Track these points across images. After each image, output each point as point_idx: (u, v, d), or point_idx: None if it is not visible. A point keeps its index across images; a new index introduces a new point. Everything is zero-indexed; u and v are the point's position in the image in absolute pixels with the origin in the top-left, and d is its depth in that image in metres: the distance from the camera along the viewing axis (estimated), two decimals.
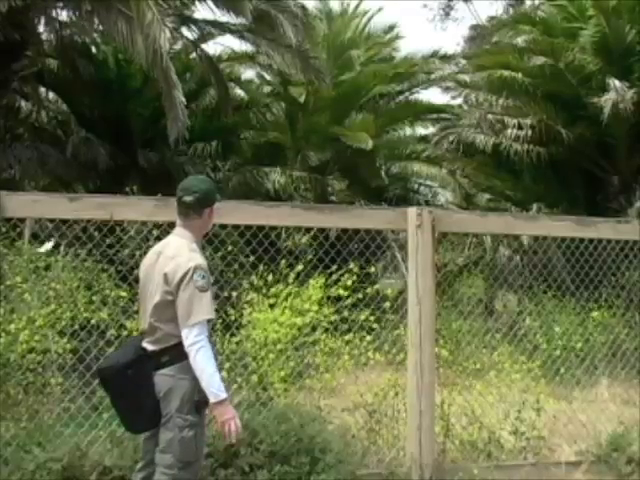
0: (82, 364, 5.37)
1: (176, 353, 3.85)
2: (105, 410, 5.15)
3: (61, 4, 12.89)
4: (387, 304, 6.40)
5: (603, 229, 6.54)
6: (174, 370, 3.87)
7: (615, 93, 12.49)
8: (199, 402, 3.86)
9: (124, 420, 4.09)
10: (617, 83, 12.60)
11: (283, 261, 6.49)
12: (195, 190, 4.02)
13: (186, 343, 3.78)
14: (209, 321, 3.89)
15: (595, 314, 8.19)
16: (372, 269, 6.73)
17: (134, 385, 3.91)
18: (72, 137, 13.94)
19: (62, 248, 6.78)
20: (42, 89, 15.45)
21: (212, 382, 3.77)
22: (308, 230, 7.34)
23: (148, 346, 3.96)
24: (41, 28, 13.23)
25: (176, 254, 3.90)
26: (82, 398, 5.38)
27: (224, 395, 3.80)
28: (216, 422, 3.93)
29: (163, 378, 3.88)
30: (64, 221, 5.69)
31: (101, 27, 12.57)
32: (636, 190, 12.94)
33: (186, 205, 4.01)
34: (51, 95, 16.03)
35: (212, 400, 3.78)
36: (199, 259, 3.90)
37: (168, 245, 4.03)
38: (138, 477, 4.16)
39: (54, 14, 13.16)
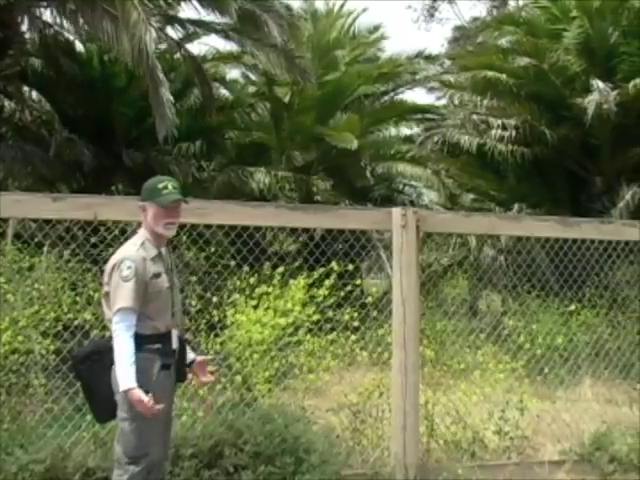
0: (65, 365, 5.34)
1: None
2: (88, 411, 5.13)
3: (45, 3, 12.82)
4: (371, 304, 6.42)
5: (586, 229, 6.57)
6: None
7: (599, 94, 12.54)
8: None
9: (90, 409, 4.22)
10: (601, 84, 12.65)
11: (267, 262, 6.50)
12: None
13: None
14: (134, 311, 3.88)
15: (572, 308, 8.22)
16: (356, 269, 6.74)
17: (91, 376, 4.03)
18: (56, 136, 13.85)
19: (45, 248, 6.75)
20: (25, 88, 15.35)
21: (120, 370, 3.82)
22: (293, 230, 7.32)
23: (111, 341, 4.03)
24: (25, 27, 13.18)
25: (120, 248, 4.08)
26: (65, 399, 5.36)
27: (128, 385, 3.78)
28: None
29: (115, 371, 3.93)
30: (47, 221, 5.67)
31: (86, 27, 12.51)
32: (619, 191, 12.98)
33: None
34: (35, 94, 15.93)
35: (120, 389, 3.82)
36: (131, 251, 3.98)
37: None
38: None
39: (38, 13, 13.10)
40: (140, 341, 3.87)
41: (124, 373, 3.80)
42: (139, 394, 3.77)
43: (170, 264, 4.19)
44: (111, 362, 3.91)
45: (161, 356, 3.99)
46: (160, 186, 4.09)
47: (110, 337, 3.97)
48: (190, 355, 4.34)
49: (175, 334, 4.11)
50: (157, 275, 4.02)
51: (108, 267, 3.99)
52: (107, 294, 3.99)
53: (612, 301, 8.59)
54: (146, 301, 3.95)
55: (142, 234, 4.09)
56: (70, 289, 6.65)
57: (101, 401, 4.03)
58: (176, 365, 4.14)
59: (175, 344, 4.10)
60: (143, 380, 3.81)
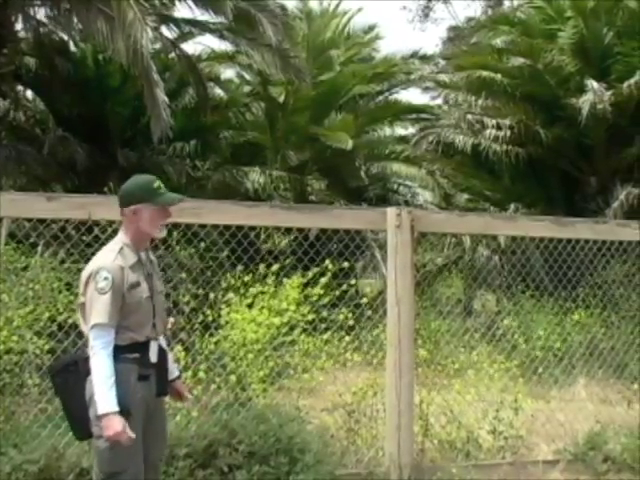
0: None
1: None
2: None
3: (39, 2, 12.80)
4: (366, 303, 6.42)
5: (581, 229, 6.58)
6: None
7: (593, 94, 12.57)
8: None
9: (69, 425, 3.96)
10: (595, 84, 12.68)
11: (262, 261, 6.50)
12: (121, 189, 3.87)
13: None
14: (111, 326, 3.62)
15: (575, 316, 8.24)
16: (351, 269, 6.74)
17: (65, 391, 3.81)
18: (50, 136, 13.83)
19: (40, 248, 6.73)
20: (20, 88, 15.33)
21: (97, 392, 3.57)
22: (288, 230, 7.31)
23: (87, 351, 3.72)
24: (19, 26, 13.16)
25: (96, 255, 3.81)
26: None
27: (107, 409, 3.54)
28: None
29: (89, 385, 3.68)
30: (41, 220, 5.64)
31: (80, 26, 12.50)
32: (613, 191, 13.01)
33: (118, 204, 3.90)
34: (29, 93, 15.92)
35: (98, 412, 3.56)
36: (107, 260, 3.69)
37: None
38: None
39: (32, 12, 13.08)
40: (117, 352, 3.63)
41: (102, 396, 3.54)
42: (115, 422, 3.53)
43: (150, 269, 3.91)
44: (87, 373, 3.66)
45: (139, 366, 3.73)
46: (155, 186, 3.82)
47: (86, 345, 3.76)
48: (174, 372, 4.10)
49: (155, 346, 3.84)
50: (136, 285, 3.74)
51: (83, 276, 3.72)
52: (83, 305, 3.73)
53: (606, 301, 8.59)
54: (124, 313, 3.68)
55: (120, 239, 3.81)
56: (65, 289, 6.63)
57: (78, 416, 3.74)
58: (157, 377, 3.85)
59: (154, 357, 3.82)
60: (121, 392, 3.58)
